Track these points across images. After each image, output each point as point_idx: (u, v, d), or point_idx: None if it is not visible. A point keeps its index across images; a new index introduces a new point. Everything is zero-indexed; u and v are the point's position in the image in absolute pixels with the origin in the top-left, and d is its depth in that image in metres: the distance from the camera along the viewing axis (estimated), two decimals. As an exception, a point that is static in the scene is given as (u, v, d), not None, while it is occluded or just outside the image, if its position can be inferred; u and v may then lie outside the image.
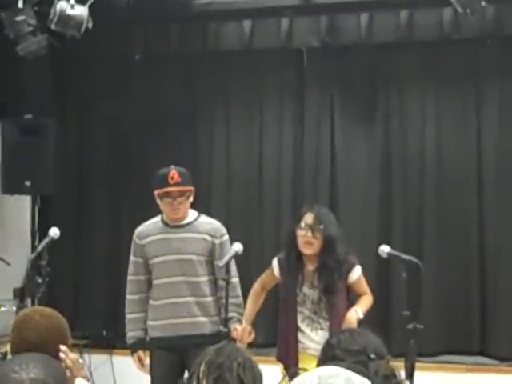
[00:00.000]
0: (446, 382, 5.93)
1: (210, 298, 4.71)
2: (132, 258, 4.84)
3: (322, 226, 4.47)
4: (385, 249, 4.54)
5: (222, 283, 4.54)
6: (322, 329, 4.50)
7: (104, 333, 6.59)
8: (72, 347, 2.88)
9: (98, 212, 6.82)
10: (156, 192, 4.70)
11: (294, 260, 4.56)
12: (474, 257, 6.06)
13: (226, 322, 4.37)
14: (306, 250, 4.52)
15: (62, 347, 2.79)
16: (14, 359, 2.06)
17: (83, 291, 6.80)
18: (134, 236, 4.84)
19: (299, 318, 4.53)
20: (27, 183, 6.29)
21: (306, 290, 4.55)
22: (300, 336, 4.52)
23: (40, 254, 4.69)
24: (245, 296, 4.78)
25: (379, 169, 6.29)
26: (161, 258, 4.73)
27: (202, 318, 4.70)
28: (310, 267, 4.55)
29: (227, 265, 4.43)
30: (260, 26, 6.26)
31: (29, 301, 5.03)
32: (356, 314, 4.44)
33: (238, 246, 4.55)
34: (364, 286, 4.62)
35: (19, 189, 6.37)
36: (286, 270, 4.61)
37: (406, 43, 6.13)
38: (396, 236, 6.13)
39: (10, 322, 3.00)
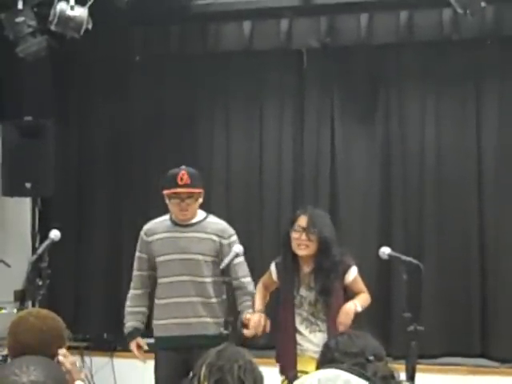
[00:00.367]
0: None
1: (214, 300, 4.69)
2: (137, 253, 4.85)
3: (315, 229, 4.46)
4: (385, 251, 4.53)
5: (236, 283, 4.56)
6: (320, 331, 4.49)
7: (105, 335, 6.58)
8: (73, 350, 2.88)
9: (99, 214, 6.82)
10: (164, 192, 4.69)
11: (290, 262, 4.56)
12: (474, 258, 6.05)
13: (226, 324, 4.36)
14: (301, 251, 4.51)
15: (61, 350, 2.79)
16: (15, 362, 2.07)
17: (84, 293, 6.79)
18: (142, 232, 4.84)
19: (297, 320, 4.52)
20: (27, 185, 6.29)
21: (302, 291, 4.54)
22: (299, 338, 4.51)
23: (40, 256, 4.68)
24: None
25: (379, 169, 6.29)
26: (166, 257, 4.72)
27: (208, 319, 4.68)
28: (306, 269, 4.55)
29: (229, 267, 4.43)
30: (260, 26, 6.25)
31: (29, 303, 5.02)
32: (354, 305, 4.45)
33: (238, 248, 4.56)
34: (361, 286, 4.62)
35: (19, 191, 6.36)
36: (282, 272, 4.61)
37: (406, 44, 6.13)
38: (396, 236, 6.13)
39: (11, 325, 3.00)
